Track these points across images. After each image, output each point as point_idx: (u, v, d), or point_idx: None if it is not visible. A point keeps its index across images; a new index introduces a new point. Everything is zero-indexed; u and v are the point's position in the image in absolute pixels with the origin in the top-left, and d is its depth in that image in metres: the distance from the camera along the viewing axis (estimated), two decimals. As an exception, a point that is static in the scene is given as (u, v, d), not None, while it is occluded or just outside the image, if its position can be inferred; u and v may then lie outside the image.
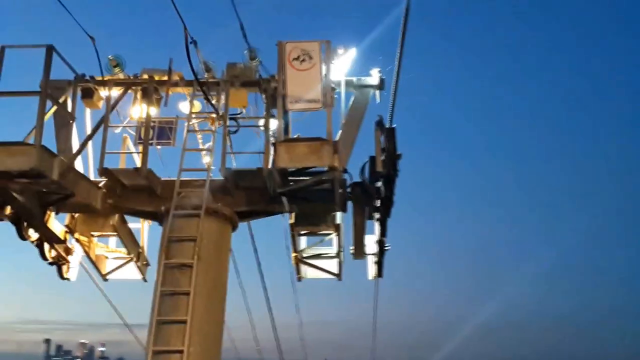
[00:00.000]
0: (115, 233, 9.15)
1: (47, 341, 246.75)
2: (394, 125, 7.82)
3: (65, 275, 9.44)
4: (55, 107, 8.04)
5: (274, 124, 8.19)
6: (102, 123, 8.45)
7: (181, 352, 6.75)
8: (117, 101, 8.70)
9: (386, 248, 8.95)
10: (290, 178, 7.65)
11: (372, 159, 7.73)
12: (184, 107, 9.20)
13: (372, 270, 9.45)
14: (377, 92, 8.59)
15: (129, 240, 9.49)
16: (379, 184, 7.81)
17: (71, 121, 8.39)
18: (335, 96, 8.33)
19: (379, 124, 7.76)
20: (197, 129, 9.23)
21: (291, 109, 7.74)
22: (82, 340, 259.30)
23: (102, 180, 8.48)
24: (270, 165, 7.56)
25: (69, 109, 8.45)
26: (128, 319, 12.17)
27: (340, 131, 7.93)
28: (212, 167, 8.33)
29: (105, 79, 8.69)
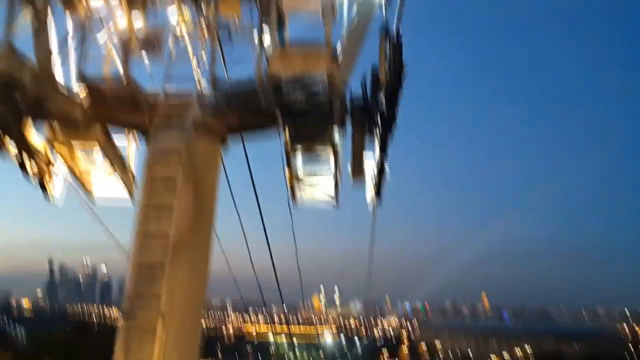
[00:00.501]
0: (98, 146, 8.64)
1: (51, 262, 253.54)
2: (400, 33, 7.10)
3: (50, 193, 9.03)
4: (29, 9, 7.34)
5: (268, 35, 7.54)
6: (83, 28, 7.81)
7: (163, 264, 6.43)
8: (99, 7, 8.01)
9: (386, 170, 8.43)
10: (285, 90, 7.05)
11: (375, 69, 7.08)
12: (172, 15, 8.55)
13: (370, 193, 8.94)
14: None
15: (114, 156, 8.98)
16: (381, 97, 7.20)
17: (48, 25, 7.71)
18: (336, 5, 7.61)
19: (384, 30, 7.05)
20: (186, 39, 8.61)
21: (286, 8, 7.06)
22: (85, 261, 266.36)
23: (83, 90, 7.91)
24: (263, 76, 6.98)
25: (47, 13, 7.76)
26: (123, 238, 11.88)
27: (340, 41, 7.27)
28: (201, 79, 7.76)
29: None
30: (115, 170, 9.13)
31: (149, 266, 6.56)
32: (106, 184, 9.41)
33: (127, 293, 6.61)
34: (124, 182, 9.27)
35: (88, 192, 9.51)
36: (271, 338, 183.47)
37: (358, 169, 8.48)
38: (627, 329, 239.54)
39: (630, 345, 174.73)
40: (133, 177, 9.37)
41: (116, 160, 9.01)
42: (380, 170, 8.35)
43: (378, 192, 8.84)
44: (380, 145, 7.84)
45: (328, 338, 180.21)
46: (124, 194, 9.47)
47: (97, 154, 9.17)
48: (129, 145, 9.33)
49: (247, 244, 10.59)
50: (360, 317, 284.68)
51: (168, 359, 6.23)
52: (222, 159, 7.99)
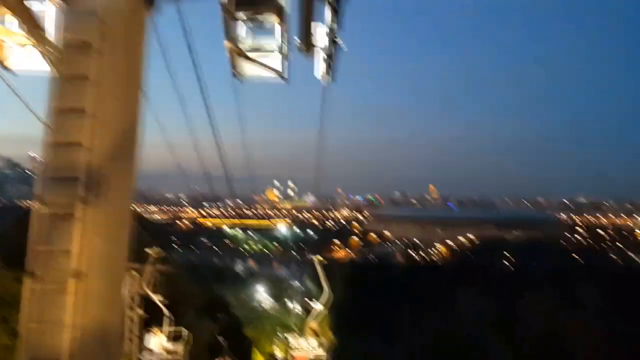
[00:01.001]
0: (9, 10, 7.38)
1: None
2: None
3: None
4: None
5: None
6: None
7: (80, 144, 5.63)
8: None
9: (338, 41, 7.57)
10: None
11: None
12: None
13: (320, 67, 8.09)
14: None
15: (29, 21, 7.72)
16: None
17: None
18: None
19: None
20: None
21: None
22: (35, 155, 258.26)
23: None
24: None
25: None
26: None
27: None
28: None
29: None
30: (32, 39, 7.92)
31: (66, 145, 5.73)
32: (23, 55, 8.21)
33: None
34: (44, 52, 8.08)
35: (3, 64, 8.32)
36: (226, 229, 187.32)
37: (307, 40, 7.58)
38: (565, 217, 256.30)
39: (566, 232, 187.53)
40: (53, 45, 8.17)
41: (32, 27, 7.76)
42: (333, 42, 7.50)
43: (329, 68, 8.04)
44: (333, 11, 6.94)
45: (282, 229, 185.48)
46: (45, 65, 8.30)
47: (11, 21, 7.92)
48: (47, 9, 8.06)
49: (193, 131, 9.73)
50: (314, 209, 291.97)
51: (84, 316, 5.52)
52: (149, 25, 6.91)
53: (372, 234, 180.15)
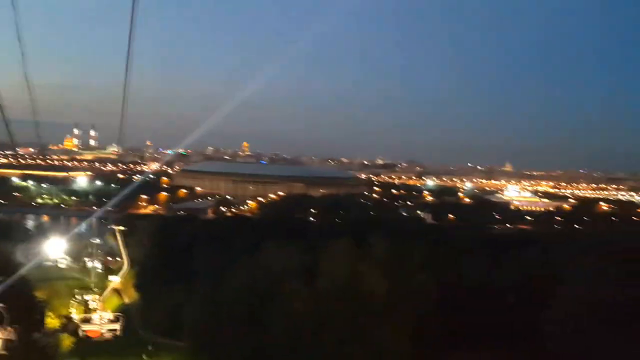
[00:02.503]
0: None
1: None
2: None
3: None
4: None
5: None
6: None
7: None
8: None
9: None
10: None
11: None
12: None
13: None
14: None
15: None
16: None
17: None
18: None
19: None
20: None
21: None
22: None
23: None
24: None
25: None
26: None
27: None
28: None
29: None
30: None
31: None
32: None
33: None
34: None
35: None
36: (16, 180, 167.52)
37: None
38: (364, 176, 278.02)
39: (365, 190, 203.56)
40: None
41: None
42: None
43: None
44: None
45: (82, 182, 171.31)
46: None
47: None
48: None
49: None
50: (119, 161, 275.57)
51: None
52: None
53: (182, 189, 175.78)
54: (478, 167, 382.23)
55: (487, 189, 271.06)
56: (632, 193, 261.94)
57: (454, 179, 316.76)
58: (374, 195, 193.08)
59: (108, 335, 36.99)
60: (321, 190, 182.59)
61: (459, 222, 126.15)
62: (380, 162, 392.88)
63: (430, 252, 48.74)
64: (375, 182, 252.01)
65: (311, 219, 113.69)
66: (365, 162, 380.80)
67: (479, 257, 52.53)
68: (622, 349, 29.89)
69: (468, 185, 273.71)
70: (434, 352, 35.88)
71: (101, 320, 34.39)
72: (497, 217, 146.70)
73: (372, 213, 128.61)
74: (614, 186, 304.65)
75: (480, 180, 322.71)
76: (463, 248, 62.14)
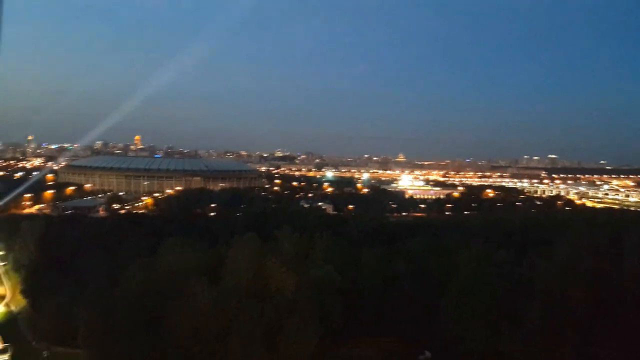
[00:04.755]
0: None
1: None
2: None
3: None
4: None
5: None
6: None
7: None
8: None
9: None
10: None
11: None
12: None
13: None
14: None
15: None
16: None
17: None
18: None
19: None
20: None
21: None
22: None
23: None
24: None
25: None
26: None
27: None
28: None
29: None
30: None
31: None
32: None
33: None
34: None
35: None
36: None
37: None
38: (264, 168, 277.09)
39: (265, 182, 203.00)
40: None
41: None
42: None
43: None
44: None
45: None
46: None
47: None
48: None
49: None
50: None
51: None
52: None
53: (69, 186, 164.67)
54: (374, 157, 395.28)
55: (383, 178, 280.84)
56: (514, 180, 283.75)
57: (351, 169, 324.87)
58: (275, 187, 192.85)
59: None
60: (220, 184, 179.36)
61: (358, 211, 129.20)
62: (279, 154, 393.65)
63: (333, 243, 49.51)
64: (275, 175, 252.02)
65: (212, 213, 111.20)
66: (264, 155, 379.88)
67: (378, 245, 54.19)
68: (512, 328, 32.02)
69: (365, 175, 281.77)
70: (338, 340, 36.43)
71: None
72: (393, 205, 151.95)
73: (273, 206, 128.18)
74: (497, 174, 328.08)
75: (376, 170, 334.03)
76: (363, 237, 63.87)
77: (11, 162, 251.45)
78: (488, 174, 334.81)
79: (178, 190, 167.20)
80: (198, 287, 31.79)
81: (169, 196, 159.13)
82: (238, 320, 30.51)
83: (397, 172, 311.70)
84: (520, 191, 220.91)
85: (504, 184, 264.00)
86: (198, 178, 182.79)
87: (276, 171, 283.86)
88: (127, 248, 51.16)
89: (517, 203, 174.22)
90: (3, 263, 66.14)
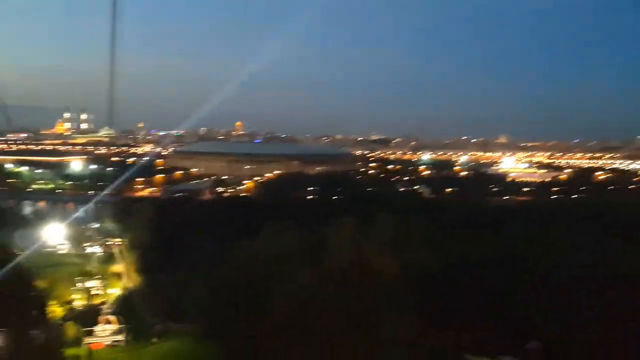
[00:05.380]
0: None
1: None
2: None
3: None
4: None
5: None
6: None
7: None
8: None
9: None
10: None
11: None
12: None
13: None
14: None
15: None
16: None
17: None
18: None
19: None
20: None
21: None
22: None
23: None
24: None
25: None
26: None
27: None
28: None
29: None
30: None
31: None
32: None
33: None
34: None
35: None
36: (10, 166, 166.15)
37: None
38: (360, 152, 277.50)
39: (361, 166, 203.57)
40: None
41: None
42: None
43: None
44: None
45: (76, 166, 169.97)
46: None
47: None
48: None
49: None
50: (113, 144, 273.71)
51: None
52: None
53: (177, 170, 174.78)
54: (472, 139, 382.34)
55: (483, 161, 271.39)
56: (628, 161, 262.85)
57: (449, 152, 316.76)
58: (370, 171, 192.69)
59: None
60: (317, 168, 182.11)
61: (457, 195, 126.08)
62: (374, 137, 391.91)
63: (432, 228, 48.64)
64: (371, 158, 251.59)
65: (309, 197, 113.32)
66: (359, 138, 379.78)
67: (477, 230, 52.53)
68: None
69: (463, 158, 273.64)
70: (435, 327, 35.92)
71: (104, 333, 34.15)
72: (493, 189, 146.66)
73: (369, 189, 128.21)
74: (608, 155, 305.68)
75: (475, 152, 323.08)
76: (462, 222, 62.20)
77: (124, 148, 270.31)
78: (598, 155, 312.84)
79: (277, 174, 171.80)
80: (298, 268, 32.66)
81: (269, 180, 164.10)
82: (337, 303, 31.00)
83: (499, 154, 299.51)
84: (634, 173, 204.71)
85: (616, 165, 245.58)
86: (295, 162, 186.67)
87: (371, 155, 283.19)
88: (231, 229, 53.54)
89: (630, 186, 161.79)
90: (119, 243, 71.76)
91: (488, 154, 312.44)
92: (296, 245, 37.38)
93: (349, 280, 32.08)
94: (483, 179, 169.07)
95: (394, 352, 31.00)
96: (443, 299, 37.16)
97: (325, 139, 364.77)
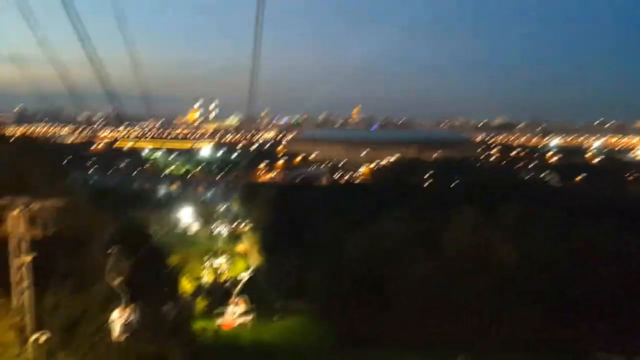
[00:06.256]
0: None
1: None
2: None
3: None
4: None
5: None
6: None
7: None
8: None
9: None
10: None
11: None
12: None
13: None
14: None
15: None
16: None
17: None
18: None
19: None
20: None
21: None
22: None
23: None
24: None
25: None
26: None
27: None
28: None
29: None
30: None
31: None
32: None
33: None
34: None
35: None
36: (147, 152, 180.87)
37: None
38: (480, 137, 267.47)
39: (481, 152, 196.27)
40: None
41: None
42: None
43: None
44: None
45: (203, 149, 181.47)
46: None
47: None
48: None
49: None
50: (238, 131, 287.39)
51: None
52: None
53: (297, 155, 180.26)
54: (607, 123, 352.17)
55: (619, 147, 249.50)
56: None
57: (579, 137, 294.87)
58: (492, 157, 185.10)
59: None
60: (434, 155, 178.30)
61: (588, 184, 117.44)
62: (497, 122, 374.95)
63: (558, 218, 45.85)
64: (492, 144, 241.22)
65: (426, 184, 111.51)
66: (480, 123, 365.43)
67: (612, 222, 48.60)
68: None
69: (596, 143, 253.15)
70: (565, 325, 33.98)
71: (234, 314, 36.39)
72: (630, 178, 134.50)
73: (491, 177, 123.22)
74: None
75: (611, 137, 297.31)
76: (593, 212, 57.86)
77: (248, 134, 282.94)
78: None
79: (393, 161, 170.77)
80: (417, 255, 32.57)
81: (385, 166, 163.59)
82: (456, 292, 30.54)
83: (638, 139, 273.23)
84: None
85: None
86: (412, 148, 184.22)
87: (493, 140, 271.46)
88: (348, 214, 54.40)
89: None
90: (244, 224, 75.77)
91: (625, 140, 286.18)
92: (413, 233, 37.20)
93: (469, 269, 31.41)
94: (619, 167, 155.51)
95: (516, 346, 29.98)
96: (571, 292, 35.09)
97: (443, 125, 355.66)
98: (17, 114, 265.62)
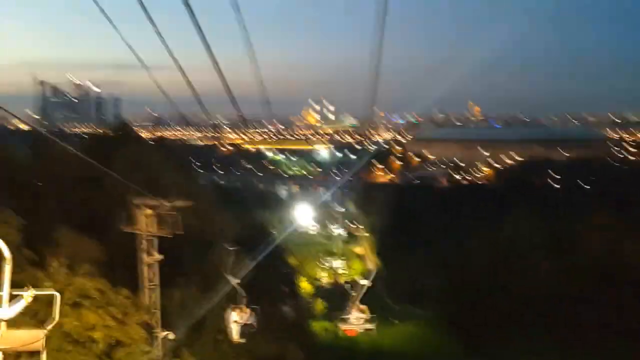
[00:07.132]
0: None
1: (42, 83, 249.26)
2: None
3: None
4: None
5: None
6: None
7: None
8: None
9: None
10: None
11: None
12: None
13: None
14: None
15: None
16: None
17: None
18: None
19: None
20: None
21: None
22: (77, 81, 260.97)
23: None
24: None
25: None
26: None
27: None
28: None
29: None
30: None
31: None
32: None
33: None
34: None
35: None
36: (266, 152, 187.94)
37: None
38: (612, 134, 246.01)
39: (614, 150, 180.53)
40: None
41: None
42: None
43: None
44: None
45: (322, 151, 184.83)
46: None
47: None
48: None
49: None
50: (353, 131, 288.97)
51: None
52: None
53: (413, 155, 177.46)
54: None
55: None
56: None
57: None
58: (630, 157, 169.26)
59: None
60: (564, 154, 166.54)
61: None
62: (629, 116, 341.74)
63: None
64: (632, 142, 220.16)
65: (555, 185, 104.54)
66: (617, 119, 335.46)
67: None
68: None
69: None
70: None
71: (358, 321, 36.66)
72: None
73: (629, 179, 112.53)
74: None
75: None
76: None
77: (365, 136, 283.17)
78: None
79: (518, 161, 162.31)
80: (544, 261, 30.55)
81: (509, 167, 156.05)
82: (584, 302, 28.21)
83: None
84: None
85: None
86: (537, 145, 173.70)
87: (632, 137, 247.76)
88: (470, 217, 52.41)
89: None
90: (361, 226, 75.80)
91: None
92: (542, 239, 34.92)
93: (601, 278, 28.77)
94: None
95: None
96: None
97: (574, 121, 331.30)
98: (149, 118, 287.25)
